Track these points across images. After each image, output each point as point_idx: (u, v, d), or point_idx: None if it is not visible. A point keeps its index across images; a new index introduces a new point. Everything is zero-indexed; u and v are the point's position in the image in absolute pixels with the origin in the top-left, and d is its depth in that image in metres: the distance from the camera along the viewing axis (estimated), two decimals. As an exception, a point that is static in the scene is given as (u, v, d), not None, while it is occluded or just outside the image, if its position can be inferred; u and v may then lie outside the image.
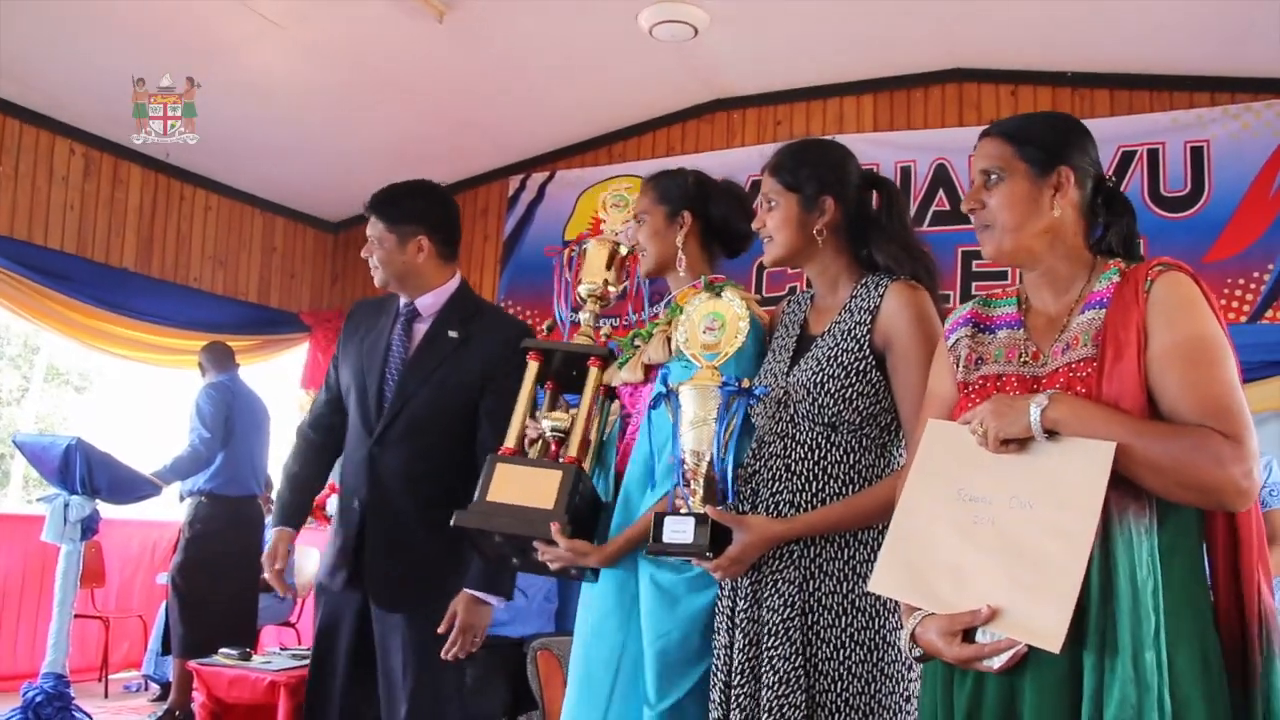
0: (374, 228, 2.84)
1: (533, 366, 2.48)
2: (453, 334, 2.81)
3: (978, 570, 1.56)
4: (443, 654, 2.65)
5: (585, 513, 2.33)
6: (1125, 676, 1.42)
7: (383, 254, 2.82)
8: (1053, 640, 1.44)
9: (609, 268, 2.53)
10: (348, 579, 2.77)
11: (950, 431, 1.69)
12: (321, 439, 2.98)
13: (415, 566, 2.73)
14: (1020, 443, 1.57)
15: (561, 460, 2.38)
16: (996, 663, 1.52)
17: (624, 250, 2.55)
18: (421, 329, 2.85)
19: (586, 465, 2.42)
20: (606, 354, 2.44)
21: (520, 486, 2.31)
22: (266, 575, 2.84)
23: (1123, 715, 1.41)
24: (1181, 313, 1.56)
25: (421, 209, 2.88)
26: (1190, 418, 1.50)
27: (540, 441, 2.49)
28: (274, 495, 3.10)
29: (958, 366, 1.77)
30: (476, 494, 2.34)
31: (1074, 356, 1.62)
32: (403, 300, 2.87)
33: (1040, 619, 1.47)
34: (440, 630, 2.66)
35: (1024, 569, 1.51)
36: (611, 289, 2.55)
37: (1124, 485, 1.50)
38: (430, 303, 2.86)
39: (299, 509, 2.95)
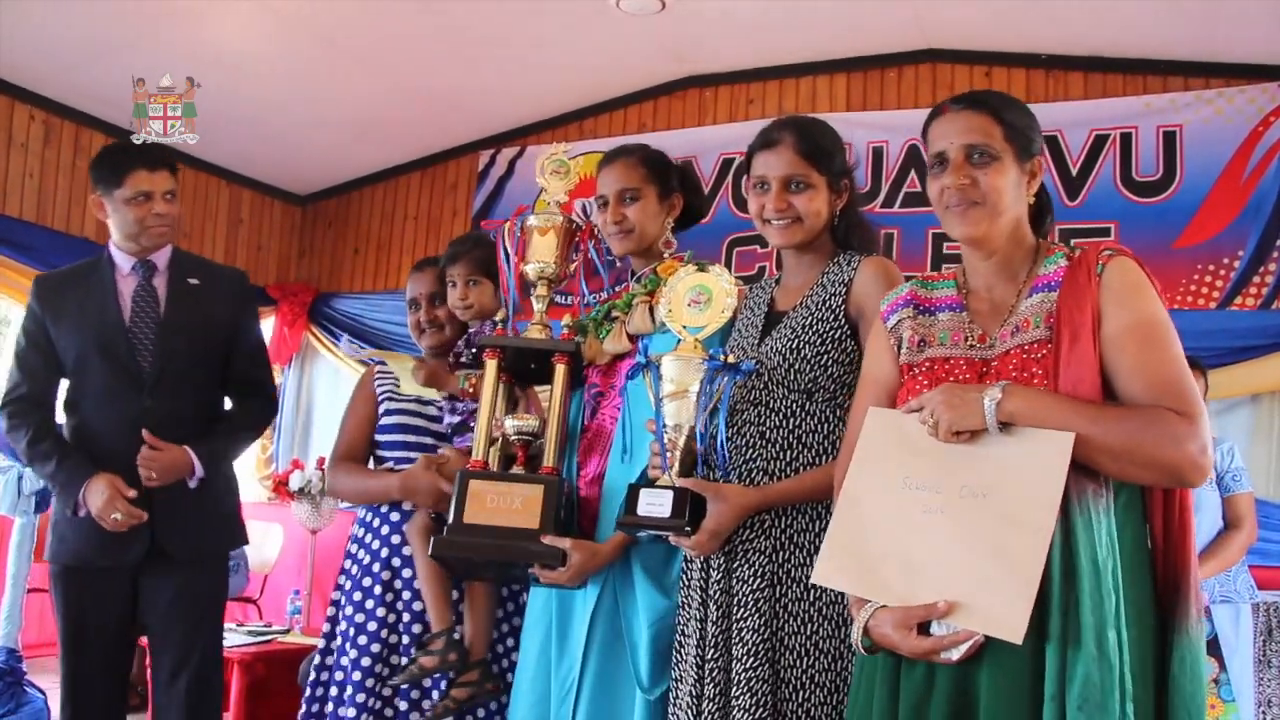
0: (170, 182, 2.90)
1: (491, 365, 2.37)
2: (193, 280, 2.96)
3: (930, 562, 1.56)
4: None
5: (566, 518, 2.27)
6: (1089, 656, 1.44)
7: (178, 210, 2.94)
8: (1015, 631, 1.45)
9: (559, 245, 2.41)
10: (145, 550, 2.80)
11: (893, 419, 1.68)
12: (49, 413, 2.94)
13: (208, 515, 2.91)
14: (972, 433, 1.57)
15: (540, 471, 2.30)
16: (955, 654, 1.52)
17: (578, 223, 2.46)
18: (161, 283, 2.94)
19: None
20: (573, 349, 2.35)
21: (499, 505, 2.22)
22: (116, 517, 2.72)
23: (1087, 694, 1.42)
24: (1133, 296, 1.60)
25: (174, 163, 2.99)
26: (1143, 396, 1.53)
27: (500, 441, 2.41)
28: (53, 465, 2.84)
29: (899, 348, 1.77)
30: (452, 516, 2.24)
31: (1026, 339, 1.62)
32: (129, 261, 2.92)
33: (1001, 610, 1.47)
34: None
35: (981, 560, 1.51)
36: (566, 269, 2.45)
37: (1082, 466, 1.51)
38: (164, 256, 2.96)
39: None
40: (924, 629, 1.55)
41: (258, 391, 3.10)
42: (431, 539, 2.28)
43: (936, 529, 1.57)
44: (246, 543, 3.17)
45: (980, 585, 1.50)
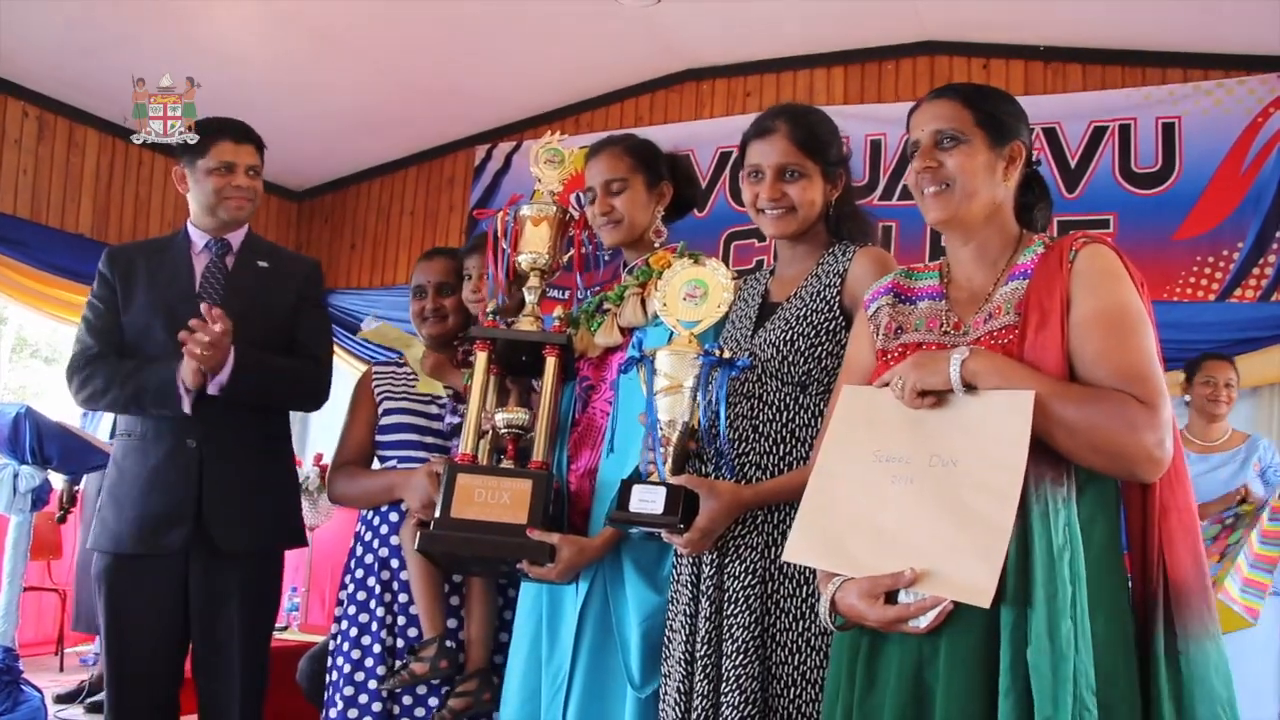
0: (254, 157, 2.88)
1: (481, 357, 2.33)
2: (262, 264, 2.91)
3: (898, 531, 1.54)
4: None
5: (555, 513, 2.24)
6: (1040, 646, 1.41)
7: (258, 187, 2.89)
8: (983, 595, 1.43)
9: (552, 236, 2.37)
10: (189, 534, 2.66)
11: (865, 395, 1.68)
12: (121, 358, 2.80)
13: (264, 504, 2.77)
14: (938, 397, 1.56)
15: (529, 466, 2.26)
16: (924, 622, 1.50)
17: (572, 214, 2.42)
18: (232, 262, 2.89)
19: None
20: (564, 341, 2.31)
21: (487, 500, 2.18)
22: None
23: (1038, 684, 1.40)
24: (1104, 282, 1.57)
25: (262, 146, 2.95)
26: (1107, 383, 1.50)
27: (490, 435, 2.37)
28: (143, 378, 2.69)
29: (877, 335, 1.76)
30: (439, 510, 2.19)
31: (996, 325, 1.62)
32: (204, 238, 2.88)
33: (968, 575, 1.45)
34: None
35: (948, 527, 1.49)
36: (560, 260, 2.41)
37: (1041, 454, 1.49)
38: (238, 237, 2.92)
39: None
40: (891, 599, 1.53)
41: (312, 360, 2.92)
42: (418, 534, 2.25)
43: (904, 498, 1.55)
44: (304, 544, 3.01)
45: (948, 552, 1.48)
